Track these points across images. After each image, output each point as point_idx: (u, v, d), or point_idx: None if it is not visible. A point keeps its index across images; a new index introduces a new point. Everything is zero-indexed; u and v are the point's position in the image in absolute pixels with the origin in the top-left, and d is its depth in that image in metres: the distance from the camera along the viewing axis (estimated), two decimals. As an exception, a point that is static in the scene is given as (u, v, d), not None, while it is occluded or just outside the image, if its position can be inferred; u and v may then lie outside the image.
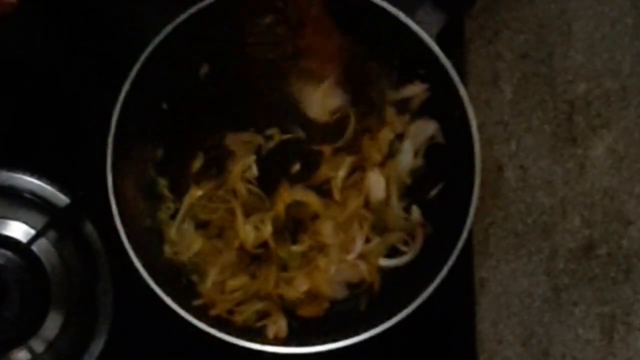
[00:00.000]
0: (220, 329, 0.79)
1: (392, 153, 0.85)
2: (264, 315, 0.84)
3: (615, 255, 0.86)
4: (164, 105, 0.84)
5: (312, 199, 0.84)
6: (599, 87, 0.87)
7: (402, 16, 0.80)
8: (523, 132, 0.87)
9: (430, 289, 0.79)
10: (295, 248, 0.84)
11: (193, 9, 0.79)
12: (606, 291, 0.86)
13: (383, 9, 0.80)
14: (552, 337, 0.86)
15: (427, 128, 0.84)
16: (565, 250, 0.86)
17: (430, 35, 0.80)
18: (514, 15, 0.87)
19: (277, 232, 0.84)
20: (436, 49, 0.80)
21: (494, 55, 0.87)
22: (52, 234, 0.83)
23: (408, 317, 0.79)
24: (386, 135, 0.84)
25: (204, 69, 0.84)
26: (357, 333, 0.79)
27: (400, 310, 0.79)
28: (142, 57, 0.79)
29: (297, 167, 0.85)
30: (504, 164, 0.87)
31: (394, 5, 0.80)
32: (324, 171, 0.85)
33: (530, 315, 0.86)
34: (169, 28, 0.79)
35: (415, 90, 0.84)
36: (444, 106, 0.82)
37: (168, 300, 0.78)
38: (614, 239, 0.86)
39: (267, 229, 0.83)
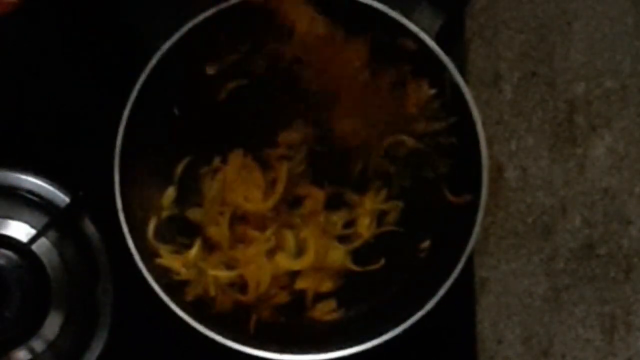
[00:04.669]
0: (222, 333, 0.79)
1: None
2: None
3: (615, 255, 0.86)
4: (175, 110, 0.84)
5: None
6: (599, 86, 0.87)
7: (401, 18, 0.79)
8: (523, 132, 0.87)
9: (440, 293, 0.79)
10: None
11: (208, 12, 0.78)
12: (606, 291, 0.86)
13: (381, 11, 0.79)
14: (553, 337, 0.86)
15: None
16: (565, 250, 0.86)
17: (430, 35, 0.80)
18: (514, 15, 0.87)
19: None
20: (438, 49, 0.79)
21: (494, 55, 0.87)
22: (52, 233, 0.83)
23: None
24: None
25: (215, 72, 0.84)
26: (365, 340, 0.79)
27: (408, 316, 0.79)
28: (154, 60, 0.78)
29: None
30: (504, 164, 0.87)
31: (391, 6, 0.80)
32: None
33: (531, 315, 0.86)
34: (182, 31, 0.78)
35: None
36: (447, 107, 0.82)
37: (168, 300, 0.78)
38: (614, 239, 0.86)
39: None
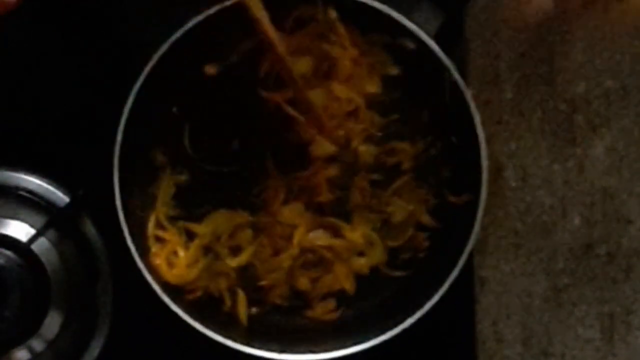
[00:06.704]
0: (222, 333, 0.79)
1: None
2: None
3: (615, 255, 0.86)
4: (175, 110, 0.84)
5: None
6: (599, 86, 0.87)
7: (401, 18, 0.79)
8: (523, 132, 0.87)
9: (440, 292, 0.79)
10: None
11: (208, 12, 0.78)
12: (606, 290, 0.86)
13: (381, 11, 0.79)
14: (552, 337, 0.86)
15: None
16: (565, 250, 0.86)
17: (430, 35, 0.80)
18: (514, 14, 0.87)
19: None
20: (438, 49, 0.79)
21: (494, 54, 0.87)
22: (52, 233, 0.83)
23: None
24: None
25: (216, 71, 0.83)
26: (365, 340, 0.79)
27: (408, 316, 0.79)
28: (154, 60, 0.78)
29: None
30: (504, 164, 0.87)
31: (391, 6, 0.80)
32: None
33: (530, 315, 0.86)
34: (182, 31, 0.78)
35: None
36: (447, 107, 0.82)
37: (168, 300, 0.79)
38: (613, 239, 0.86)
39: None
